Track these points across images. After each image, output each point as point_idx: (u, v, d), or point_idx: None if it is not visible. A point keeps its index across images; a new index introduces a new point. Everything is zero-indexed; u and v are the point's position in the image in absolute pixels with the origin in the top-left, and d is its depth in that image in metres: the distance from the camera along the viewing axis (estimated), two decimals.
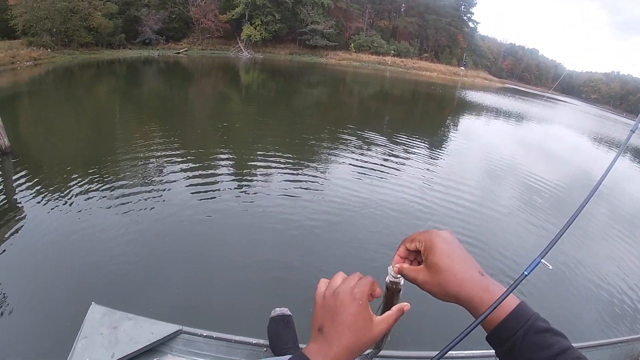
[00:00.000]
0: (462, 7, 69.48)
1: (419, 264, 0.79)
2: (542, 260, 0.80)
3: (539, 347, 0.65)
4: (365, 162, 10.28)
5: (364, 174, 9.25)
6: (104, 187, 6.64)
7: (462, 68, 68.03)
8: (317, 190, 7.93)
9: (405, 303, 0.76)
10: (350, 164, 9.92)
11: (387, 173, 9.59)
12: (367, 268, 5.14)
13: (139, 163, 8.09)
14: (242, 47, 44.98)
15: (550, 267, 0.81)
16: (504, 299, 0.67)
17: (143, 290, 4.31)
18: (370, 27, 59.08)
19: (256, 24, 45.10)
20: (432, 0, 65.35)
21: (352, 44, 55.72)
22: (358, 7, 57.24)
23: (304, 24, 49.52)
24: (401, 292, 0.80)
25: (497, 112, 31.15)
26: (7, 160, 7.53)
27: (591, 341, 2.85)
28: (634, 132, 1.15)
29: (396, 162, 10.73)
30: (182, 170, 8.03)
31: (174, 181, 7.35)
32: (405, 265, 0.79)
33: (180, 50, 39.82)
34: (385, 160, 10.81)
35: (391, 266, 0.80)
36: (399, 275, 0.79)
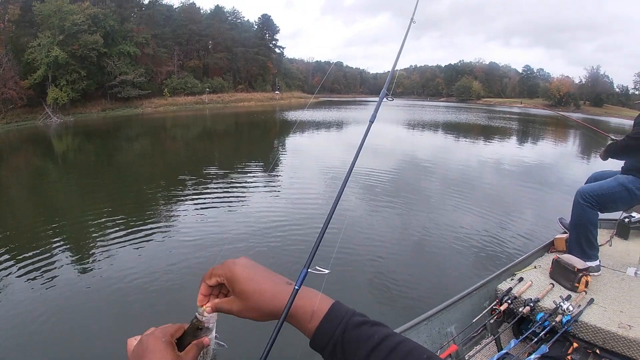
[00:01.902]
0: (267, 35, 74.25)
1: (225, 295, 0.78)
2: (310, 270, 0.79)
3: (360, 340, 0.66)
4: (205, 201, 11.11)
5: (204, 212, 10.16)
6: None
7: (277, 92, 73.12)
8: (158, 244, 8.26)
9: (205, 339, 0.75)
10: (191, 207, 10.66)
11: (225, 206, 10.62)
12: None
13: None
14: (49, 113, 41.91)
15: (327, 271, 0.79)
16: (293, 299, 0.70)
17: None
18: (182, 68, 60.31)
19: (61, 84, 43.11)
20: (237, 34, 69.18)
21: (166, 89, 56.09)
22: (166, 50, 57.88)
23: (112, 77, 48.60)
24: (207, 328, 0.76)
25: (319, 124, 34.38)
26: None
27: (456, 295, 3.15)
28: (372, 122, 1.24)
29: (234, 193, 11.76)
30: (10, 267, 7.47)
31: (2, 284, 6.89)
32: (217, 300, 0.76)
33: None
34: (223, 193, 11.80)
35: (201, 307, 0.77)
36: (209, 315, 0.76)
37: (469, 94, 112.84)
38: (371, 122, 1.23)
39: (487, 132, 32.97)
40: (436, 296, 5.35)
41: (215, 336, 0.78)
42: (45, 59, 41.92)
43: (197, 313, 0.77)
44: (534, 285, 3.35)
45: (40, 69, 42.03)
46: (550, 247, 4.24)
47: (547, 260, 3.87)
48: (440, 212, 10.15)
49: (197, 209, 10.59)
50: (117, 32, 49.99)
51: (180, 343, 0.74)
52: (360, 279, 6.36)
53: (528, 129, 38.62)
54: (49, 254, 8.09)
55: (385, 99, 1.32)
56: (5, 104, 39.54)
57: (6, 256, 7.99)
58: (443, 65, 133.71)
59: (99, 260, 7.69)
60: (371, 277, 6.43)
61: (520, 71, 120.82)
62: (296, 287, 0.72)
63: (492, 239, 7.86)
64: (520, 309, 3.06)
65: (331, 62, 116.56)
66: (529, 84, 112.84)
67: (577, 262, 3.32)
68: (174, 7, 63.80)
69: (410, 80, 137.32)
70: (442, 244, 7.74)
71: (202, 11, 68.98)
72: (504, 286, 3.36)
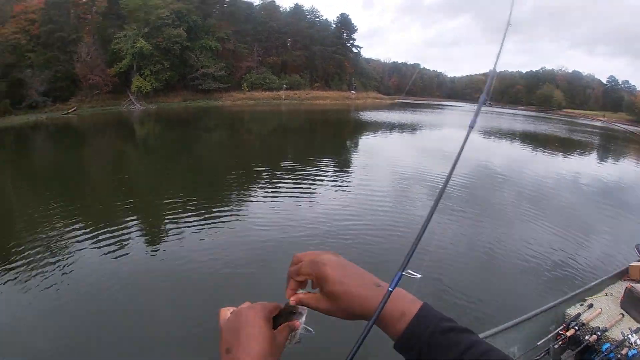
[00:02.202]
0: (344, 34, 73.36)
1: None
2: (404, 273, 0.79)
3: (446, 347, 0.65)
4: (277, 192, 11.19)
5: (278, 205, 10.18)
6: (8, 279, 6.48)
7: (352, 92, 71.82)
8: (230, 230, 8.52)
9: (296, 322, 0.76)
10: (262, 197, 10.80)
11: (297, 199, 10.62)
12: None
13: (44, 243, 7.89)
14: (133, 100, 44.03)
15: (419, 276, 0.78)
16: (386, 301, 0.68)
17: None
18: (261, 64, 60.58)
19: (145, 74, 44.66)
20: (316, 32, 68.56)
21: (245, 84, 56.75)
22: (246, 46, 58.41)
23: (194, 69, 49.79)
24: (299, 313, 0.78)
25: (394, 126, 33.49)
26: None
27: (520, 317, 3.08)
28: (472, 127, 1.15)
29: (306, 188, 11.77)
30: (87, 239, 8.02)
31: (79, 254, 7.33)
32: (302, 296, 0.78)
33: (70, 111, 38.15)
34: (295, 187, 11.88)
35: (289, 300, 0.79)
36: (305, 308, 0.78)
37: (549, 104, 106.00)
38: (471, 127, 1.14)
39: (566, 146, 30.43)
40: (501, 312, 5.16)
41: (304, 322, 0.79)
42: (130, 50, 43.58)
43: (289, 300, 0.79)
44: (603, 313, 3.20)
45: (125, 59, 43.74)
46: (624, 274, 4.00)
47: (619, 288, 3.67)
48: (512, 225, 9.81)
49: (269, 200, 10.67)
50: (200, 27, 51.01)
51: (274, 322, 0.76)
52: (426, 286, 6.08)
53: (610, 145, 35.75)
54: (123, 230, 8.57)
55: (483, 105, 1.23)
56: (91, 89, 41.84)
57: (83, 230, 8.51)
58: (524, 72, 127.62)
59: (169, 240, 8.12)
60: (437, 285, 6.29)
61: (605, 82, 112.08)
62: (390, 289, 0.72)
63: (563, 259, 7.58)
64: (587, 337, 2.96)
65: (408, 63, 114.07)
66: (614, 97, 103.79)
67: None
68: (255, 4, 64.16)
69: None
70: (511, 258, 7.51)
71: (281, 9, 69.22)
72: (572, 311, 3.26)
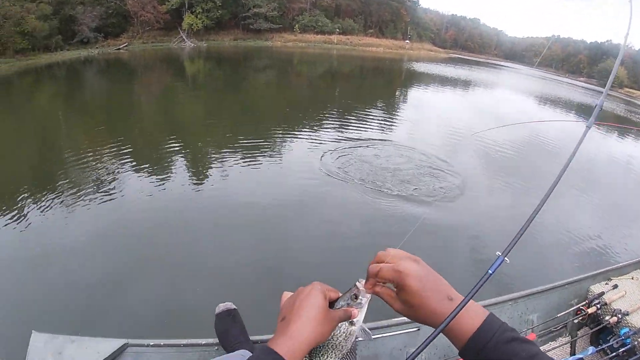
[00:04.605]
0: None
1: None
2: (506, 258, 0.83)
3: (509, 356, 0.69)
4: (322, 140, 10.55)
5: (325, 153, 9.49)
6: (57, 204, 6.50)
7: (407, 41, 68.78)
8: (272, 176, 8.24)
9: (354, 310, 0.81)
10: (310, 144, 10.18)
11: (339, 149, 9.84)
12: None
13: (93, 171, 7.97)
14: (184, 37, 43.75)
15: (508, 261, 0.84)
16: (462, 307, 0.72)
17: (84, 309, 4.26)
18: (314, 6, 58.40)
19: (197, 11, 43.85)
20: None
21: (297, 25, 55.14)
22: None
23: (246, 8, 48.54)
24: (360, 302, 0.82)
25: (454, 82, 32.18)
26: None
27: (544, 285, 3.04)
28: (589, 127, 1.20)
29: (352, 138, 10.93)
30: (133, 173, 8.03)
31: (123, 188, 7.28)
32: (379, 289, 0.82)
33: (121, 46, 38.16)
34: (340, 134, 11.16)
35: (361, 282, 0.83)
36: (368, 295, 0.82)
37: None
38: (588, 127, 1.19)
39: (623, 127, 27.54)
40: (524, 278, 5.12)
41: (362, 321, 0.84)
42: None
43: (357, 282, 0.83)
44: (627, 296, 3.07)
45: None
46: None
47: None
48: (554, 198, 8.16)
49: (313, 145, 10.12)
50: None
51: (334, 303, 0.83)
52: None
53: None
54: (168, 164, 8.68)
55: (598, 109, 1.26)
56: (142, 26, 41.65)
57: (129, 161, 8.58)
58: (588, 42, 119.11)
59: (212, 178, 8.04)
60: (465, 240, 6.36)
61: None
62: (490, 272, 0.83)
63: (596, 238, 7.17)
64: (607, 318, 2.90)
65: (467, 17, 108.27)
66: None
67: None
68: None
69: (550, 51, 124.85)
70: (545, 227, 6.99)
71: None
72: (596, 289, 3.19)
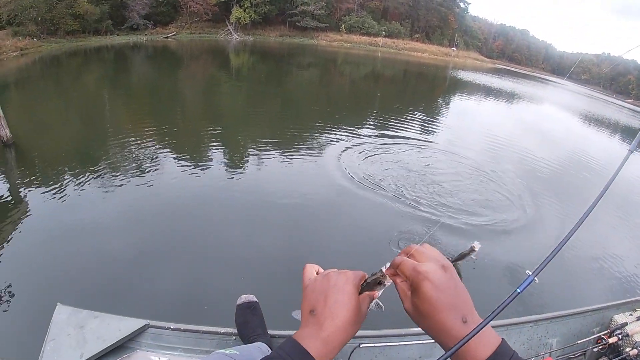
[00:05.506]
0: None
1: None
2: (520, 289, 0.80)
3: None
4: (360, 142, 10.29)
5: (360, 153, 9.32)
6: (95, 181, 6.62)
7: (453, 49, 67.57)
8: (306, 173, 8.14)
9: (377, 292, 0.79)
10: (347, 145, 9.96)
11: (384, 151, 9.65)
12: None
13: (131, 153, 8.07)
14: (231, 30, 44.27)
15: (537, 281, 0.81)
16: (476, 333, 0.66)
17: (109, 286, 4.26)
18: (361, 7, 58.25)
19: (245, 6, 44.19)
20: None
21: (343, 25, 55.00)
22: None
23: (293, 6, 48.82)
24: (384, 285, 0.79)
25: (498, 93, 31.28)
26: (9, 152, 7.48)
27: (567, 310, 2.96)
28: (632, 152, 1.23)
29: (391, 142, 10.69)
30: (171, 157, 8.12)
31: (159, 171, 7.35)
32: (399, 282, 0.76)
33: (169, 35, 38.89)
34: (379, 137, 10.89)
35: (387, 266, 0.79)
36: (390, 281, 0.78)
37: None
38: (630, 151, 1.22)
39: None
40: (548, 300, 4.93)
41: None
42: None
43: (383, 268, 0.80)
44: None
45: None
46: None
47: None
48: (589, 220, 7.61)
49: (351, 146, 9.88)
50: None
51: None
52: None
53: None
54: (206, 152, 8.73)
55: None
56: (191, 16, 42.37)
57: (168, 146, 8.72)
58: (639, 62, 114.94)
59: (246, 169, 8.08)
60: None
61: None
62: (518, 290, 0.80)
63: (626, 267, 6.71)
64: (627, 349, 2.85)
65: (516, 27, 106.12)
66: None
67: None
68: None
69: (599, 69, 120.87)
70: (575, 250, 6.59)
71: None
72: (620, 318, 3.09)
